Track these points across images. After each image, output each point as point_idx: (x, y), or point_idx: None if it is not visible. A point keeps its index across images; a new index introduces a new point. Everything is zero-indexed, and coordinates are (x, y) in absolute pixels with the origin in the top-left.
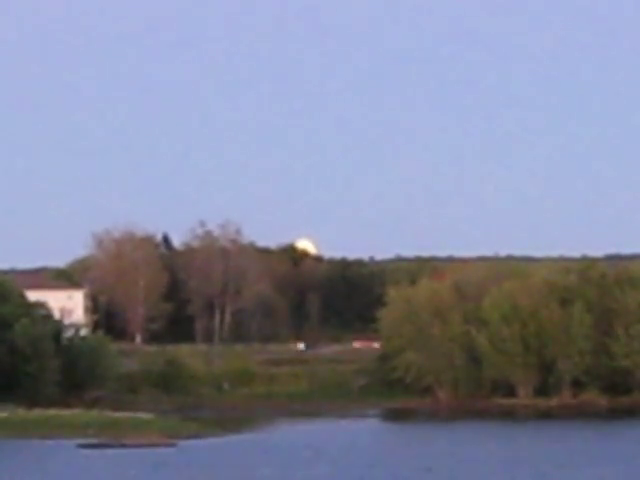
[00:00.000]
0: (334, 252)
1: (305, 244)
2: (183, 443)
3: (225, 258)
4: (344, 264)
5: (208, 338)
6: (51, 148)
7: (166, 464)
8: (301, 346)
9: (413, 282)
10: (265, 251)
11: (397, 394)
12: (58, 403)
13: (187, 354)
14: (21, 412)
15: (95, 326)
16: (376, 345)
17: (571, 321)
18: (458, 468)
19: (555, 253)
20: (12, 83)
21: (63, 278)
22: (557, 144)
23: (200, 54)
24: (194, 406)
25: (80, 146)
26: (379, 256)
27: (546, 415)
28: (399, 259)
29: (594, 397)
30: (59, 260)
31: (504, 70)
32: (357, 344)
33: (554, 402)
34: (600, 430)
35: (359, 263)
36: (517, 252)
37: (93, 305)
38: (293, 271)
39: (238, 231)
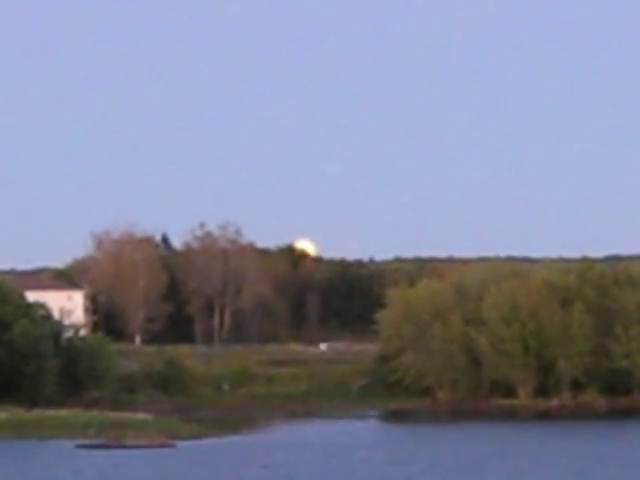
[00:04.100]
0: (333, 253)
1: (305, 245)
2: (182, 444)
3: (225, 259)
4: (343, 265)
5: (208, 339)
6: (50, 149)
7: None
8: (323, 346)
9: (413, 283)
10: (265, 252)
11: (396, 395)
12: (57, 404)
13: (186, 355)
14: (20, 413)
15: (94, 327)
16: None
17: (571, 322)
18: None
19: (555, 254)
20: (12, 82)
21: (62, 279)
22: (557, 145)
23: (200, 55)
24: (193, 407)
25: (79, 147)
26: (378, 257)
27: (545, 416)
28: (398, 260)
29: (593, 398)
30: (58, 261)
31: (504, 70)
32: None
33: (554, 403)
34: (599, 431)
35: (358, 264)
36: (517, 253)
37: (92, 306)
38: (293, 272)
39: (238, 232)
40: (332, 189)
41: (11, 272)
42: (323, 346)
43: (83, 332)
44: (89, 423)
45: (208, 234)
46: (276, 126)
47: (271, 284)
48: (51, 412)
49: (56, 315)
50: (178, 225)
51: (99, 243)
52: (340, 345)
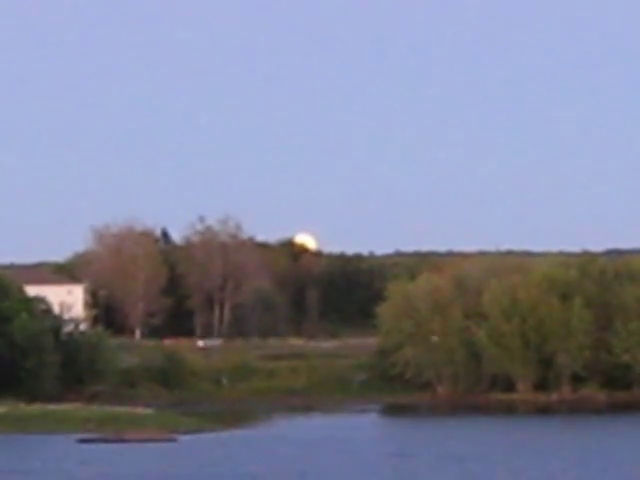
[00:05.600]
0: (333, 247)
1: (304, 239)
2: (183, 438)
3: (224, 253)
4: (343, 259)
5: (207, 333)
6: (50, 143)
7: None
8: (201, 343)
9: (412, 277)
10: (264, 246)
11: (396, 389)
12: (57, 398)
13: (186, 349)
14: (21, 407)
15: (94, 321)
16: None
17: (571, 316)
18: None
19: (555, 248)
20: (12, 78)
21: (63, 273)
22: (557, 139)
23: (200, 50)
24: (193, 401)
25: (79, 141)
26: (378, 251)
27: (545, 410)
28: (398, 254)
29: (593, 392)
30: (59, 255)
31: (502, 64)
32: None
33: (553, 397)
34: (599, 425)
35: (358, 258)
36: (517, 247)
37: (93, 300)
38: (292, 266)
39: (238, 226)
40: (332, 183)
41: (11, 266)
42: (200, 343)
43: (83, 326)
44: (89, 417)
45: (208, 228)
46: (275, 120)
47: (271, 278)
48: (51, 406)
49: (56, 309)
50: (178, 219)
51: (99, 237)
52: (216, 342)
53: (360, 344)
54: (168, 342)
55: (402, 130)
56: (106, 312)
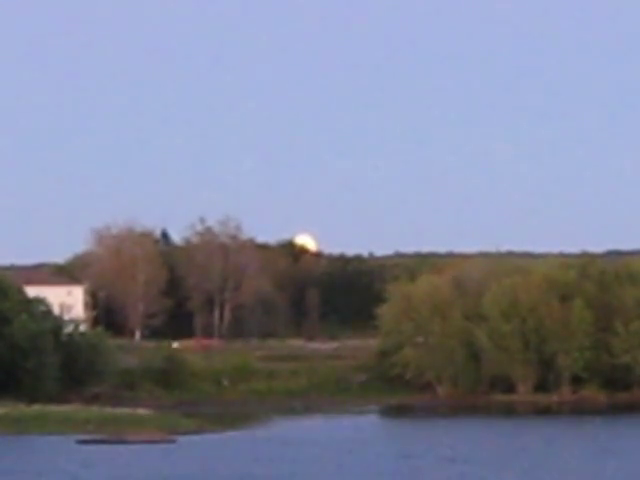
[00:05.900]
0: (333, 248)
1: (304, 240)
2: (183, 439)
3: (225, 254)
4: (343, 260)
5: (208, 334)
6: (50, 144)
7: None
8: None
9: (413, 278)
10: (265, 247)
11: (396, 390)
12: (57, 399)
13: (186, 350)
14: (20, 408)
15: (94, 322)
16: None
17: (571, 317)
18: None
19: (555, 249)
20: (12, 79)
21: (62, 274)
22: (557, 140)
23: (200, 49)
24: (193, 402)
25: (80, 141)
26: (379, 252)
27: (545, 411)
28: (399, 255)
29: (594, 393)
30: (58, 256)
31: (501, 64)
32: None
33: (554, 398)
34: (599, 426)
35: (358, 259)
36: (517, 248)
37: (92, 301)
38: (293, 267)
39: (238, 227)
40: (332, 184)
41: (11, 267)
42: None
43: (83, 327)
44: (89, 418)
45: (208, 229)
46: (276, 121)
47: (271, 279)
48: (51, 407)
49: (56, 310)
50: (178, 220)
51: (99, 238)
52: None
53: (360, 345)
54: (187, 343)
55: (402, 130)
56: (106, 313)
